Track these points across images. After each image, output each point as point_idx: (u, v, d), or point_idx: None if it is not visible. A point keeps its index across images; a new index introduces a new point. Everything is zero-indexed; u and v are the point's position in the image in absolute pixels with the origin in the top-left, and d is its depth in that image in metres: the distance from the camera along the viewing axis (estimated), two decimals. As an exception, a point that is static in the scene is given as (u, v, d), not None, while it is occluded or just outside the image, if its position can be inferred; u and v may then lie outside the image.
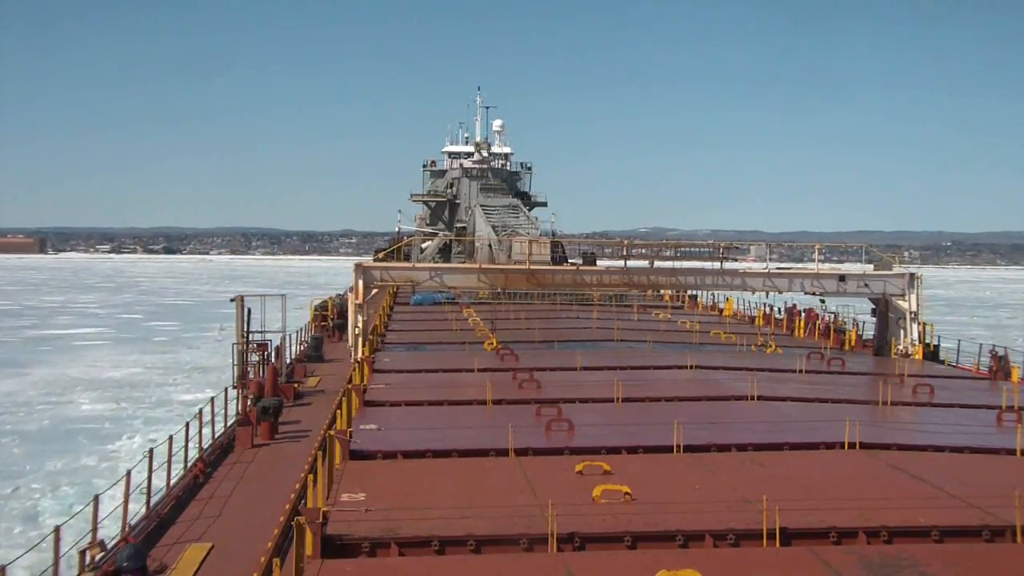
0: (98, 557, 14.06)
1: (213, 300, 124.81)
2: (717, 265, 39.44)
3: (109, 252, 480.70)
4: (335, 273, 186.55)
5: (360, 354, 32.99)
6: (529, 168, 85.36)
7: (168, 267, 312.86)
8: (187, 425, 20.80)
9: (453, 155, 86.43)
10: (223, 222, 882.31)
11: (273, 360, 30.34)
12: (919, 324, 36.74)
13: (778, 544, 12.59)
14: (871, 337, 40.32)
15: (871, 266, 40.95)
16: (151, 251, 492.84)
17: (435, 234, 79.87)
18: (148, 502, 17.48)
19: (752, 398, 23.57)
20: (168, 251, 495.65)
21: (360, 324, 35.42)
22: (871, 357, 37.50)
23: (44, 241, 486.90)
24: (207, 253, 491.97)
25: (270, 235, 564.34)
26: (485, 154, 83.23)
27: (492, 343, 34.61)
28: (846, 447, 18.23)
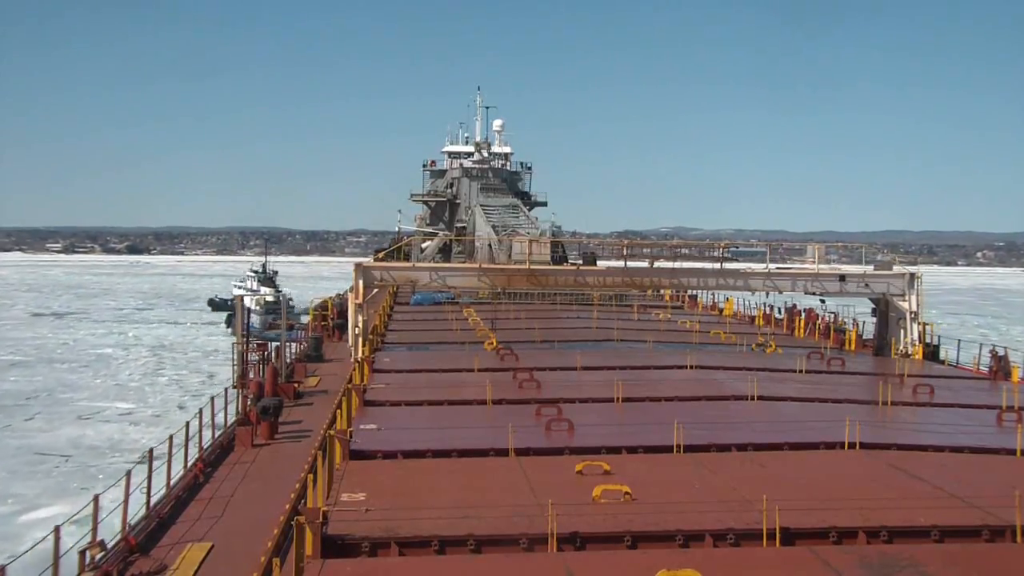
0: (98, 557, 14.05)
1: None
2: (717, 265, 39.47)
3: (60, 252, 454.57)
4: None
5: (360, 354, 32.98)
6: (529, 168, 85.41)
7: (40, 273, 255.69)
8: (187, 425, 20.76)
9: (453, 155, 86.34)
10: (232, 222, 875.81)
11: (273, 360, 30.33)
12: (919, 324, 36.79)
13: (778, 544, 12.59)
14: (871, 337, 40.34)
15: (871, 266, 41.02)
16: (110, 251, 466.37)
17: (435, 234, 79.82)
18: (148, 502, 17.46)
19: (752, 398, 23.57)
20: (133, 251, 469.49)
21: (360, 324, 35.41)
22: (871, 357, 37.51)
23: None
24: (183, 253, 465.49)
25: (275, 234, 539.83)
26: (485, 154, 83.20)
27: (492, 343, 34.62)
28: (846, 447, 18.24)
